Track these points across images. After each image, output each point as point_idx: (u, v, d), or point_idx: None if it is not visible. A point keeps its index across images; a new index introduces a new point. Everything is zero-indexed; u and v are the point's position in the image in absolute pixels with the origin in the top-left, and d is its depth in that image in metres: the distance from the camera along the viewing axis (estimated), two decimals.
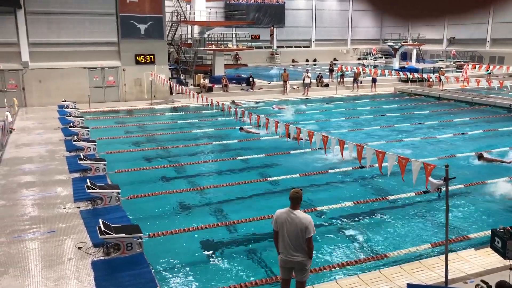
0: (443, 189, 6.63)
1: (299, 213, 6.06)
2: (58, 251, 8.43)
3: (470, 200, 11.63)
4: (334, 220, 10.37)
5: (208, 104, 20.20)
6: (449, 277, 7.13)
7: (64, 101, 23.59)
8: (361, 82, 32.59)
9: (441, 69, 37.28)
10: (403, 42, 43.89)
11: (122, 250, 8.15)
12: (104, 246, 8.29)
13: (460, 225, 10.07)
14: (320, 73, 34.77)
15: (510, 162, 14.28)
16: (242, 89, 31.13)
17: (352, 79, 32.66)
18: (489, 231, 6.34)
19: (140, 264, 7.88)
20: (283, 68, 35.21)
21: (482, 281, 5.86)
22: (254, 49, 44.64)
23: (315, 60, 55.77)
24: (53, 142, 16.92)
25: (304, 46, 57.50)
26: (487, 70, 35.31)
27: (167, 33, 32.01)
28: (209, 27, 37.68)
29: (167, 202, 11.54)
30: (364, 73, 33.55)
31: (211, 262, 8.62)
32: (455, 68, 43.08)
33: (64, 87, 25.43)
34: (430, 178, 6.93)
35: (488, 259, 7.96)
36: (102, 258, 8.12)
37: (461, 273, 7.61)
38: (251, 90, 30.85)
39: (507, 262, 5.12)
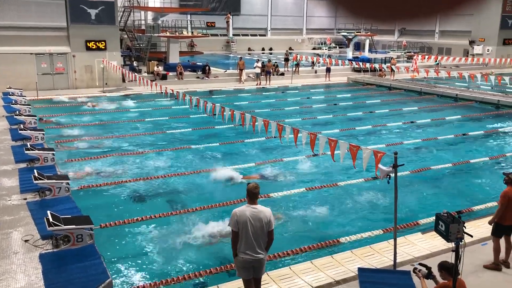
0: (392, 175, 6.83)
1: (260, 207, 5.94)
2: (3, 245, 8.08)
3: (417, 186, 12.07)
4: (286, 207, 10.49)
5: (162, 92, 19.85)
6: (398, 261, 7.41)
7: (10, 88, 22.48)
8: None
9: (393, 59, 38.32)
10: (357, 32, 44.70)
11: (72, 242, 7.91)
12: (53, 238, 8.01)
13: (409, 210, 10.45)
14: (275, 62, 34.90)
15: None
16: (198, 77, 30.80)
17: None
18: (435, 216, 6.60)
19: (91, 256, 7.68)
20: (239, 56, 35.05)
21: (420, 264, 6.10)
22: (209, 37, 44.14)
23: (271, 49, 55.85)
24: None
25: (260, 35, 57.45)
26: (436, 61, 36.65)
27: (119, 19, 31.06)
28: (163, 13, 36.92)
29: (119, 192, 11.30)
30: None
31: (166, 251, 8.52)
32: (406, 59, 44.42)
33: (9, 74, 24.12)
34: (379, 165, 7.12)
35: (434, 242, 8.32)
36: (51, 250, 7.85)
37: (409, 256, 7.92)
38: (207, 79, 30.58)
39: (450, 245, 5.36)
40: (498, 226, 7.44)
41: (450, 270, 5.50)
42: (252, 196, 5.91)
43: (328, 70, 32.03)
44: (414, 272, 6.06)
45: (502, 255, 7.55)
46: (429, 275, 5.91)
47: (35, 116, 17.24)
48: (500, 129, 18.47)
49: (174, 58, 32.35)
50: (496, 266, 7.43)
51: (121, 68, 26.00)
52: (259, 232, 5.83)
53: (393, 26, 55.03)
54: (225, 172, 12.60)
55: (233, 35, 53.77)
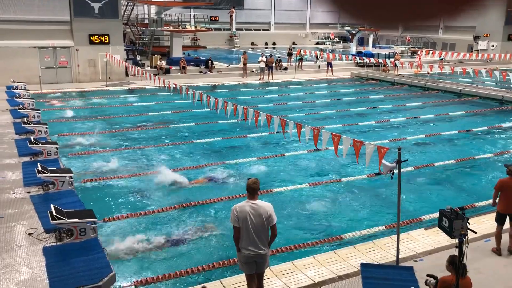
0: (396, 171, 6.81)
1: (260, 202, 5.93)
2: (6, 238, 8.11)
3: (421, 182, 12.04)
4: (289, 202, 10.49)
5: (165, 86, 19.83)
6: (400, 256, 7.41)
7: (13, 81, 22.48)
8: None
9: (396, 54, 38.17)
10: (360, 27, 44.46)
11: (75, 235, 7.93)
12: (56, 232, 8.04)
13: (412, 206, 10.43)
14: (279, 57, 34.78)
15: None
16: (201, 72, 30.75)
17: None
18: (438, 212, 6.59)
19: (94, 249, 7.70)
20: (243, 50, 34.94)
21: (428, 275, 6.07)
22: (213, 31, 44.03)
23: (274, 44, 55.72)
24: (0, 125, 16.15)
25: (263, 29, 57.26)
26: (440, 56, 36.47)
27: (122, 13, 31.02)
28: (166, 7, 36.86)
29: (122, 186, 11.32)
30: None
31: (169, 245, 8.54)
32: (410, 54, 44.22)
33: (12, 67, 24.09)
34: (383, 161, 7.10)
35: (437, 238, 8.31)
36: (54, 244, 7.87)
37: (412, 252, 7.92)
38: (210, 73, 30.52)
39: (453, 241, 5.35)
40: (500, 215, 7.80)
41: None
42: (252, 191, 5.90)
43: (329, 65, 31.84)
44: (426, 284, 5.99)
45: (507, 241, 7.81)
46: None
47: (39, 109, 17.25)
48: (504, 125, 18.39)
49: (177, 52, 32.30)
50: (497, 251, 7.81)
51: (124, 62, 25.98)
52: (260, 227, 5.83)
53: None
54: (227, 167, 12.60)
55: (237, 29, 53.60)
